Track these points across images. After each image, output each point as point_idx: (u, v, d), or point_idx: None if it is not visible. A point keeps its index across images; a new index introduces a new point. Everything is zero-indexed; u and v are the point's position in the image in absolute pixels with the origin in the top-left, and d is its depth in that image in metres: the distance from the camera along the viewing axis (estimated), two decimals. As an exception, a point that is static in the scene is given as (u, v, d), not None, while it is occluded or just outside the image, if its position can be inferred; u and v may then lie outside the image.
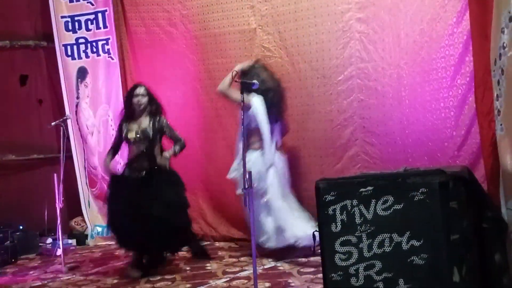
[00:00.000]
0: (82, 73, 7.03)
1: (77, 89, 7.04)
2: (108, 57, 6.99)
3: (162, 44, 6.91)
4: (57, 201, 5.60)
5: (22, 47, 7.32)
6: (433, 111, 5.13)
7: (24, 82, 7.35)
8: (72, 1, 7.03)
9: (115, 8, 7.00)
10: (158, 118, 5.18)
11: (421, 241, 3.01)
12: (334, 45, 5.88)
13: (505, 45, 3.26)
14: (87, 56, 7.04)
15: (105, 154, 5.53)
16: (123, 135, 5.20)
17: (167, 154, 5.16)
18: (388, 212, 3.10)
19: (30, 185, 7.15)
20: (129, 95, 5.29)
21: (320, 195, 3.24)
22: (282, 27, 6.14)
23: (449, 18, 4.98)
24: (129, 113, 5.23)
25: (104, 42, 7.01)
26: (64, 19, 7.02)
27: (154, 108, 5.21)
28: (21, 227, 6.59)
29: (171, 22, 6.79)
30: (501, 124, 3.38)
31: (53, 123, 5.78)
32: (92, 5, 7.00)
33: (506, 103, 3.34)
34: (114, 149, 5.42)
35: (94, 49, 7.01)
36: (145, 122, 5.17)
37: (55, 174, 5.61)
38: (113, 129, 6.90)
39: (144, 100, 5.19)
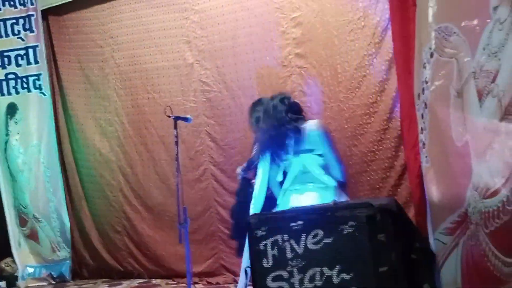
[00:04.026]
0: (12, 110, 6.84)
1: (7, 126, 6.83)
2: (40, 93, 6.83)
3: (94, 79, 6.83)
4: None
5: None
6: (375, 142, 5.22)
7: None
8: (1, 37, 6.85)
9: (47, 43, 6.87)
10: None
11: (351, 274, 3.02)
12: (274, 79, 5.93)
13: (427, 79, 3.37)
14: (17, 92, 6.85)
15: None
16: None
17: None
18: (319, 246, 3.11)
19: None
20: None
21: (251, 230, 3.23)
22: (220, 62, 6.14)
23: (386, 54, 5.10)
24: None
25: (36, 77, 6.85)
26: (-7, 54, 6.84)
27: None
28: None
29: (103, 57, 6.72)
30: (426, 156, 3.46)
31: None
32: (23, 40, 6.85)
33: (430, 136, 3.43)
34: None
35: (25, 85, 6.84)
36: None
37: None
38: (45, 167, 6.72)
39: None
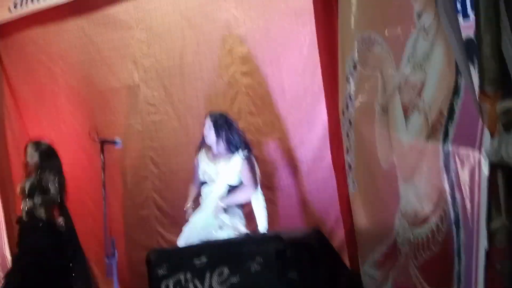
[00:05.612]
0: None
1: None
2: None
3: (46, 102, 6.46)
4: None
5: None
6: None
7: None
8: None
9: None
10: None
11: (259, 318, 2.63)
12: (222, 99, 5.60)
13: (351, 94, 3.03)
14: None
15: None
16: None
17: None
18: (225, 286, 2.73)
19: None
20: None
21: (152, 268, 2.85)
22: (168, 82, 5.81)
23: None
24: None
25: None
26: None
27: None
28: None
29: (53, 79, 6.36)
30: (353, 180, 3.11)
31: None
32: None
33: (356, 157, 3.08)
34: None
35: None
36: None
37: None
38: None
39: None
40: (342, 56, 3.12)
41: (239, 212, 3.89)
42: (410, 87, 2.82)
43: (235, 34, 5.40)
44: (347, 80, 3.06)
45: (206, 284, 2.75)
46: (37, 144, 5.20)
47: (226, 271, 2.72)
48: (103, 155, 4.45)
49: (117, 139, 4.67)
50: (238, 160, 4.12)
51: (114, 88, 6.04)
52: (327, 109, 3.63)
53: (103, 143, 4.52)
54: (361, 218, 3.08)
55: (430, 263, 2.74)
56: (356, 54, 3.00)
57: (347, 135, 3.13)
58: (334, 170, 3.67)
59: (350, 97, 3.05)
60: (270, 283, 2.62)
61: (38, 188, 4.96)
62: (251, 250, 2.68)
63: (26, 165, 5.11)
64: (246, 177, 4.04)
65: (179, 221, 5.56)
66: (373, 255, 2.99)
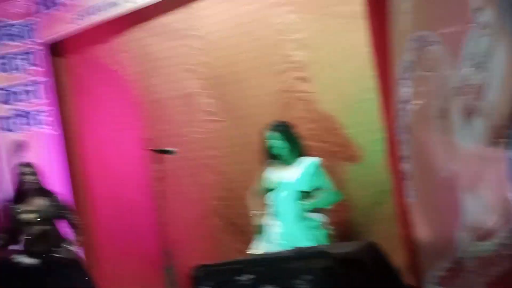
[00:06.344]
0: (18, 147, 6.61)
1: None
2: (49, 129, 6.56)
3: (109, 112, 6.57)
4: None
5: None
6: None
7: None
8: (7, 71, 6.58)
9: (58, 78, 6.66)
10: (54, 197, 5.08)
11: None
12: (277, 106, 5.49)
13: (405, 98, 2.83)
14: (24, 129, 6.54)
15: None
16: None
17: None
18: (270, 305, 2.57)
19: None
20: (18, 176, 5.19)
21: (197, 285, 2.74)
22: (224, 89, 5.75)
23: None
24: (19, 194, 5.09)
25: (45, 113, 6.56)
26: (-1, 91, 6.68)
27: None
28: None
29: (118, 89, 6.47)
30: (412, 189, 2.91)
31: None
32: (31, 75, 6.55)
33: (416, 165, 2.88)
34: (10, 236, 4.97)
35: (32, 122, 6.57)
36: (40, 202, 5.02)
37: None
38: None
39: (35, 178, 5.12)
40: (395, 58, 2.93)
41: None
42: (470, 88, 2.61)
43: (290, 39, 5.27)
44: (401, 83, 2.86)
45: (252, 303, 2.61)
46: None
47: (272, 289, 2.57)
48: (157, 164, 4.38)
49: (172, 149, 4.62)
50: (311, 164, 4.03)
51: (172, 97, 6.06)
52: (382, 115, 3.42)
53: (158, 152, 4.47)
54: (422, 231, 2.87)
55: (499, 280, 2.52)
56: (410, 55, 2.80)
57: (403, 142, 2.93)
58: (392, 178, 3.46)
59: (404, 101, 2.85)
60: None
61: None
62: (297, 267, 2.52)
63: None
64: (326, 181, 3.96)
65: (241, 230, 5.52)
66: (435, 271, 2.77)
